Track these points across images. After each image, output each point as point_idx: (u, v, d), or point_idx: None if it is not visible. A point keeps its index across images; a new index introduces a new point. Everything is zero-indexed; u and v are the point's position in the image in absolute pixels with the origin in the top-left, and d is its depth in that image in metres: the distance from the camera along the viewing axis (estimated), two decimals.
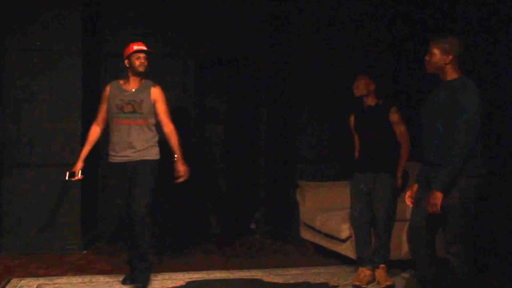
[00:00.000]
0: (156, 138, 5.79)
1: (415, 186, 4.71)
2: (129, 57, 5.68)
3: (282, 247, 7.56)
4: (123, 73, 7.79)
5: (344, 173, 7.29)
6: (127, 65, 5.71)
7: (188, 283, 5.81)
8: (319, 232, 6.86)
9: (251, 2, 8.08)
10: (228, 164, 8.38)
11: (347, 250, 6.35)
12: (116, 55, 7.73)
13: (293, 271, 6.31)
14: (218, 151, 8.40)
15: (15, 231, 7.02)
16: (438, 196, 4.25)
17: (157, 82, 5.77)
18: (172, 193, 7.91)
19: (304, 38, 7.62)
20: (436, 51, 4.46)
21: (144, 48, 5.70)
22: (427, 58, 4.53)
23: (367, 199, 5.87)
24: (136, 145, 5.64)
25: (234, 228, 8.32)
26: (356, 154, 6.14)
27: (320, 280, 5.96)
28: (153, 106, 5.69)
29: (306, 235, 7.25)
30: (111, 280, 5.89)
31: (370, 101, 5.95)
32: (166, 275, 6.08)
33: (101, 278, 5.95)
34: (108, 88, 5.80)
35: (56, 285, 5.65)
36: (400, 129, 5.84)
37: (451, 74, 4.47)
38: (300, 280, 5.95)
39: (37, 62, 7.09)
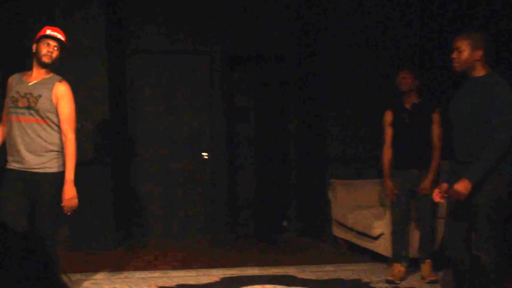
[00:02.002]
0: (61, 144, 4.72)
1: (444, 185, 4.66)
2: (38, 41, 4.72)
3: (314, 244, 7.58)
4: (150, 69, 7.90)
5: (376, 171, 7.30)
6: (34, 51, 4.73)
7: (222, 279, 5.87)
8: (351, 229, 6.87)
9: None
10: (260, 162, 8.41)
11: (379, 247, 6.37)
12: (142, 52, 7.83)
13: (326, 268, 6.34)
14: (248, 149, 8.43)
15: None
16: (467, 185, 4.19)
17: (69, 79, 4.92)
18: (204, 191, 8.00)
19: (334, 35, 7.61)
20: (465, 48, 4.35)
21: (59, 35, 4.73)
22: (454, 56, 4.40)
23: (408, 196, 5.88)
24: (34, 149, 4.63)
25: (266, 226, 8.35)
26: (387, 151, 6.09)
27: (352, 276, 5.98)
28: (54, 105, 4.67)
29: (339, 232, 7.27)
30: (146, 276, 5.98)
31: (414, 99, 5.94)
32: (201, 272, 6.15)
33: (136, 274, 6.03)
34: (9, 80, 4.83)
35: (92, 281, 5.74)
36: (437, 132, 5.88)
37: (480, 70, 4.37)
38: (333, 277, 5.98)
39: (61, 58, 7.07)
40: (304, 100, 8.10)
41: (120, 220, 7.48)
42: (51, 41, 4.68)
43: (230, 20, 7.94)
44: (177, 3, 7.87)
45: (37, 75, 4.72)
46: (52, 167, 4.67)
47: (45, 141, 4.65)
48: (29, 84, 4.68)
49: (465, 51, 4.35)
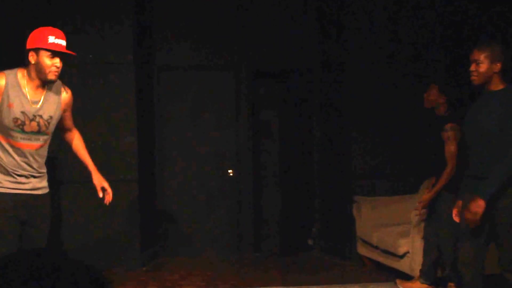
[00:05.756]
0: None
1: (459, 202, 4.51)
2: (37, 50, 3.88)
3: (339, 263, 7.49)
4: (177, 84, 7.92)
5: (400, 188, 7.23)
6: (32, 61, 3.90)
7: None
8: (376, 247, 6.80)
9: (304, 14, 8.05)
10: (283, 179, 8.36)
11: (405, 266, 6.28)
12: (169, 68, 7.86)
13: (351, 287, 6.26)
14: (272, 165, 8.38)
15: (75, 248, 7.10)
16: (481, 205, 4.06)
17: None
18: (229, 209, 7.98)
19: (357, 50, 7.56)
20: (484, 60, 4.23)
21: (64, 49, 3.93)
22: (472, 68, 4.28)
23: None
24: (35, 168, 4.08)
25: (291, 244, 8.29)
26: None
27: None
28: (61, 115, 4.20)
29: (363, 250, 7.19)
30: None
31: (440, 111, 5.80)
32: None
33: None
34: (3, 82, 3.89)
35: None
36: (448, 148, 5.58)
37: (497, 84, 4.26)
38: None
39: (89, 75, 7.13)
40: (328, 115, 8.05)
41: (146, 239, 7.47)
42: (57, 57, 3.91)
43: (255, 35, 7.95)
44: (203, 20, 7.87)
45: (39, 86, 3.97)
46: (45, 187, 4.23)
47: (43, 161, 4.15)
48: (37, 104, 3.97)
49: (483, 64, 4.24)
